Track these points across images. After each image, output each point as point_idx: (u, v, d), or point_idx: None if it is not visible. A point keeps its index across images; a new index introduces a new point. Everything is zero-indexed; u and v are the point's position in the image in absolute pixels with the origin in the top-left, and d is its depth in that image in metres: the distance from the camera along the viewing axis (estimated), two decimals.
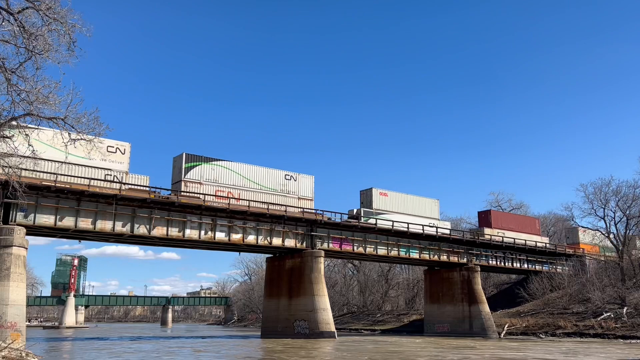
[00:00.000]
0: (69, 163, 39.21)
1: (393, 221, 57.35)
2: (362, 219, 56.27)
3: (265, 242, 50.80)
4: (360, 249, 57.37)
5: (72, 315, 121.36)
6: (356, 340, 53.67)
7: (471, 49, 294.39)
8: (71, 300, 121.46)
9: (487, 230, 67.70)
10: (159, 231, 45.06)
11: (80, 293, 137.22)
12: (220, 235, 48.27)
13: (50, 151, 37.23)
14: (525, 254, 71.34)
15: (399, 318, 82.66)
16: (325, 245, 54.24)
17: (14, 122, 20.29)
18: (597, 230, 72.17)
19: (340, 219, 55.26)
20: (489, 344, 47.35)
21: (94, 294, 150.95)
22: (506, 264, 70.45)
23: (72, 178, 40.12)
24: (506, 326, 60.80)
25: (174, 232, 45.86)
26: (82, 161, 39.72)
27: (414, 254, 61.54)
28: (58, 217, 40.54)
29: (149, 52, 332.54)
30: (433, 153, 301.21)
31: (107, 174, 42.57)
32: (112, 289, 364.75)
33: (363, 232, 57.13)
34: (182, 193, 45.83)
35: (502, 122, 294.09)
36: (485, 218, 70.32)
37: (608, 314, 55.38)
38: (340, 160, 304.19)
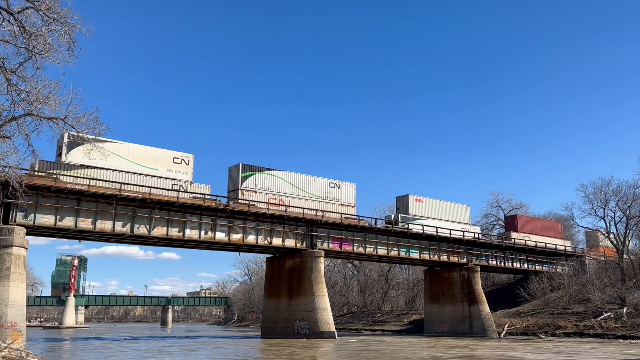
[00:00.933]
0: (139, 174, 43.66)
1: (424, 226, 60.38)
2: (400, 225, 59.16)
3: (265, 242, 50.81)
4: (360, 249, 57.37)
5: (72, 316, 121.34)
6: (356, 340, 53.65)
7: (471, 49, 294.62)
8: (71, 300, 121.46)
9: (513, 234, 70.31)
10: (159, 231, 45.07)
11: (80, 293, 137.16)
12: (220, 235, 48.28)
13: (125, 163, 43.22)
14: (525, 254, 71.38)
15: (399, 318, 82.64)
16: (325, 245, 54.25)
17: (13, 122, 20.29)
18: (597, 230, 72.18)
19: (375, 223, 58.39)
20: (488, 344, 47.35)
21: (94, 294, 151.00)
22: (506, 264, 70.46)
23: (143, 187, 43.33)
24: (506, 326, 60.79)
25: (174, 232, 45.87)
26: (150, 172, 44.38)
27: (414, 254, 61.54)
28: (58, 217, 40.54)
29: (149, 52, 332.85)
30: (433, 153, 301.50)
31: (174, 184, 45.87)
32: (112, 289, 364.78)
33: (363, 232, 57.15)
34: (239, 200, 48.71)
35: (502, 122, 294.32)
36: (511, 222, 73.03)
37: (608, 314, 55.37)
38: (340, 160, 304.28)
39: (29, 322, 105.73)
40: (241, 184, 49.60)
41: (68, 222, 40.92)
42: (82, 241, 50.76)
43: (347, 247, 56.40)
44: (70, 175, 40.67)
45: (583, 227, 76.61)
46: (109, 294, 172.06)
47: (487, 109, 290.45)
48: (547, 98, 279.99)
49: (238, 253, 64.19)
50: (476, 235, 65.09)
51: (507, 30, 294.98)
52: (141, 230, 44.30)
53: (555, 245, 72.35)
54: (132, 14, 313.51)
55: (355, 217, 56.28)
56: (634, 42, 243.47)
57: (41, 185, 38.46)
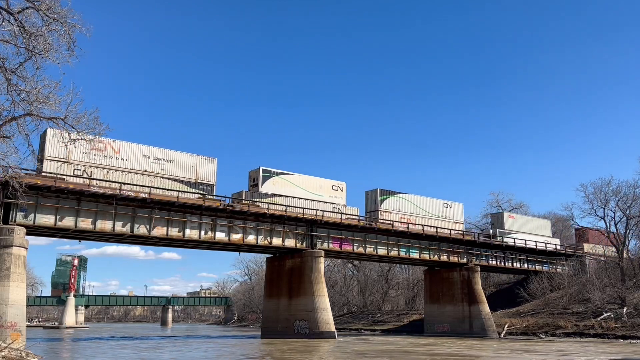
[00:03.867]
0: (310, 200, 53.43)
1: (515, 239, 68.72)
2: (498, 238, 68.60)
3: (265, 242, 50.80)
4: (360, 249, 57.36)
5: (72, 315, 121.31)
6: (356, 340, 53.65)
7: (472, 51, 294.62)
8: (71, 300, 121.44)
9: (586, 246, 75.82)
10: (159, 231, 45.06)
11: (80, 293, 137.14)
12: (220, 235, 48.29)
13: (299, 191, 53.07)
14: (525, 254, 71.38)
15: (399, 318, 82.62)
16: (325, 245, 54.24)
17: (13, 122, 20.28)
18: (597, 230, 72.14)
19: (477, 237, 66.62)
20: (488, 344, 47.34)
21: (94, 294, 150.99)
22: (506, 264, 70.44)
23: (317, 211, 52.71)
24: (506, 326, 60.78)
25: (174, 232, 45.86)
26: (316, 197, 54.14)
27: (414, 254, 61.54)
28: (58, 217, 40.54)
29: (149, 52, 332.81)
30: (434, 153, 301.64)
31: (334, 207, 55.20)
32: (112, 289, 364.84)
33: (363, 232, 57.14)
34: (379, 220, 57.68)
35: (502, 123, 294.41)
36: (581, 235, 78.06)
37: (608, 314, 55.34)
38: (340, 160, 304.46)
39: (29, 322, 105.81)
40: (380, 206, 58.72)
41: (68, 222, 40.91)
42: (82, 241, 50.83)
43: (347, 247, 56.40)
44: (264, 202, 50.47)
45: (583, 227, 76.54)
46: (109, 294, 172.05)
47: (487, 109, 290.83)
48: (548, 99, 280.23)
49: (238, 253, 64.26)
50: (476, 236, 65.12)
51: (509, 33, 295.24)
52: (141, 230, 44.29)
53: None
54: (132, 14, 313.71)
55: (461, 232, 65.45)
56: (633, 43, 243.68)
57: (41, 185, 38.44)
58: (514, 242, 67.02)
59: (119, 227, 43.23)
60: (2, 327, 34.09)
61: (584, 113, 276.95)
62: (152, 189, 43.76)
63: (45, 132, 39.33)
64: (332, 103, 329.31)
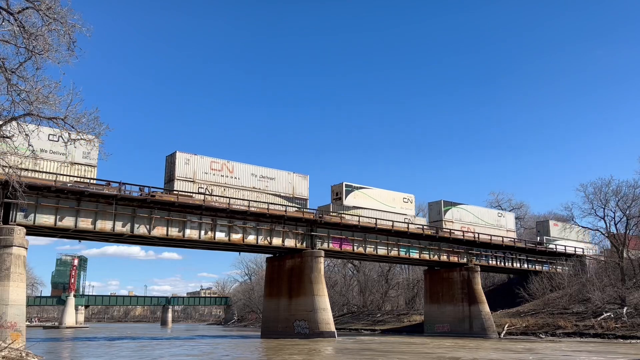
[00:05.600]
0: (385, 211, 58.30)
1: (557, 245, 74.66)
2: (544, 244, 73.81)
3: (265, 242, 50.79)
4: (360, 249, 57.35)
5: (72, 315, 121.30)
6: (356, 340, 53.64)
7: (472, 51, 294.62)
8: (71, 300, 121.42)
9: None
10: (159, 231, 45.05)
11: (80, 293, 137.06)
12: (220, 235, 48.27)
13: (375, 203, 58.21)
14: (525, 254, 71.33)
15: (399, 318, 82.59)
16: (325, 245, 54.23)
17: (13, 122, 20.29)
18: (597, 230, 72.15)
19: (525, 245, 70.98)
20: (488, 344, 47.34)
21: (94, 294, 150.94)
22: (506, 264, 70.42)
23: (382, 221, 57.30)
24: (506, 326, 60.75)
25: (174, 232, 45.85)
26: (390, 209, 59.14)
27: (414, 254, 61.52)
28: (58, 217, 40.51)
29: (149, 52, 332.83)
30: (434, 154, 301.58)
31: (405, 218, 60.25)
32: (112, 289, 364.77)
33: (363, 232, 57.12)
34: (443, 230, 62.75)
35: (502, 123, 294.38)
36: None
37: (608, 314, 55.29)
38: (340, 161, 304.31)
39: (29, 322, 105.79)
40: (444, 216, 64.05)
41: (68, 222, 40.89)
42: (82, 241, 50.82)
43: (347, 247, 56.38)
44: (345, 213, 55.48)
45: (583, 227, 76.53)
46: (109, 294, 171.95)
47: (488, 110, 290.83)
48: (548, 99, 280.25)
49: (238, 253, 64.27)
50: (476, 235, 65.07)
51: (508, 33, 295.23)
52: (141, 230, 44.27)
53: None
54: (132, 14, 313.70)
55: (512, 239, 70.71)
56: (633, 44, 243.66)
57: (41, 185, 38.43)
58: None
59: (119, 227, 43.20)
60: (2, 327, 34.05)
61: (584, 113, 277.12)
62: (258, 203, 49.54)
63: (174, 155, 45.91)
64: (334, 104, 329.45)
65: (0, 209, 37.45)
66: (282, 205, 51.17)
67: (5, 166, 22.60)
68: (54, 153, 39.34)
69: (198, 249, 59.84)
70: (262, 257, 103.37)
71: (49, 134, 36.92)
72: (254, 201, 49.16)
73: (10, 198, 35.95)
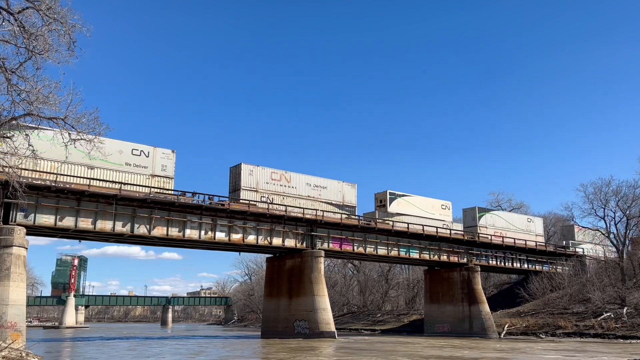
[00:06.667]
0: (425, 217, 61.41)
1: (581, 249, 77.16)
2: (571, 248, 76.60)
3: (265, 242, 50.77)
4: (360, 249, 57.32)
5: (72, 315, 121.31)
6: (356, 340, 53.64)
7: (472, 52, 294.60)
8: (71, 301, 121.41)
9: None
10: (159, 231, 45.03)
11: (80, 293, 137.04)
12: (220, 235, 48.25)
13: (415, 209, 61.36)
14: (525, 254, 71.33)
15: (399, 318, 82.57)
16: (325, 245, 54.20)
17: (13, 122, 20.27)
18: (597, 230, 72.06)
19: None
20: (489, 344, 47.31)
21: (94, 294, 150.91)
22: (506, 264, 70.40)
23: (427, 227, 60.40)
24: (506, 326, 60.73)
25: (174, 232, 45.83)
26: (430, 215, 62.33)
27: (414, 254, 61.49)
28: (58, 217, 40.51)
29: (149, 52, 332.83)
30: (434, 154, 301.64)
31: (443, 224, 63.44)
32: (113, 289, 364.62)
33: (363, 232, 57.10)
34: (480, 235, 66.36)
35: (503, 123, 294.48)
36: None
37: (608, 314, 55.27)
38: (340, 161, 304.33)
39: (29, 322, 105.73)
40: (478, 222, 67.56)
41: (68, 222, 40.88)
42: (82, 241, 50.81)
43: (347, 247, 56.36)
44: (389, 220, 58.47)
45: (583, 227, 76.53)
46: (109, 294, 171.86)
47: (488, 110, 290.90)
48: (548, 99, 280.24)
49: (238, 253, 64.24)
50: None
51: (508, 33, 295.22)
52: (141, 230, 44.25)
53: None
54: (132, 14, 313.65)
55: (543, 244, 73.38)
56: (632, 44, 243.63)
57: (41, 185, 38.43)
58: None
59: (119, 227, 43.19)
60: (2, 327, 34.04)
61: (583, 113, 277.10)
62: (313, 210, 52.57)
63: (239, 166, 49.65)
64: (334, 105, 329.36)
65: (0, 209, 37.44)
66: (334, 212, 54.44)
67: (6, 166, 22.60)
68: (137, 166, 43.92)
69: (198, 249, 59.85)
70: (262, 257, 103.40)
71: (132, 149, 43.78)
72: (309, 209, 52.31)
73: (11, 198, 35.96)
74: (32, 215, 39.34)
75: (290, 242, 52.32)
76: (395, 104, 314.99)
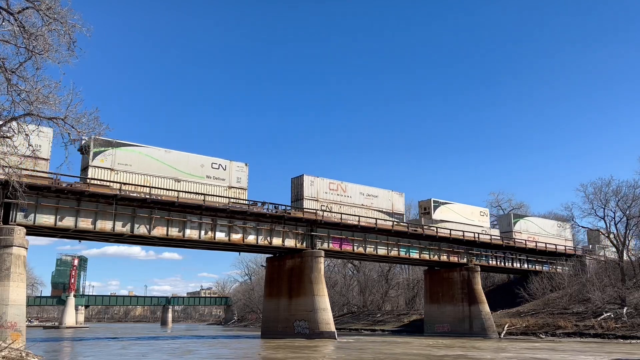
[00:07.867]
0: (464, 224, 64.60)
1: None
2: (596, 253, 78.30)
3: (265, 242, 50.77)
4: (360, 249, 57.32)
5: (72, 315, 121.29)
6: (357, 340, 53.64)
7: (473, 52, 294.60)
8: (71, 301, 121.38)
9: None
10: (159, 231, 45.03)
11: (80, 293, 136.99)
12: (220, 235, 48.24)
13: (455, 216, 64.75)
14: (525, 254, 71.34)
15: (399, 318, 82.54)
16: (325, 245, 54.19)
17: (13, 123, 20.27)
18: (597, 230, 72.05)
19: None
20: (489, 344, 47.33)
21: (94, 294, 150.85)
22: (506, 264, 70.38)
23: (470, 233, 63.93)
24: (506, 326, 60.71)
25: (174, 232, 45.83)
26: (469, 222, 65.79)
27: (414, 254, 61.48)
28: (58, 217, 40.48)
29: (149, 52, 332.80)
30: (434, 154, 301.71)
31: (482, 230, 66.82)
32: (113, 289, 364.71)
33: (363, 232, 57.09)
34: (515, 240, 69.79)
35: (503, 123, 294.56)
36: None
37: (608, 314, 55.27)
38: (341, 162, 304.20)
39: (29, 322, 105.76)
40: (513, 227, 71.74)
41: (68, 222, 40.86)
42: (82, 241, 50.79)
43: (347, 247, 56.35)
44: (434, 226, 61.66)
45: (583, 227, 76.57)
46: (109, 294, 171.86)
47: (488, 110, 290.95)
48: (548, 99, 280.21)
49: (238, 253, 64.22)
50: (476, 235, 65.14)
51: (509, 33, 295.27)
52: (141, 230, 44.24)
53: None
54: (132, 14, 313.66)
55: (571, 248, 76.97)
56: (633, 44, 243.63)
57: (41, 185, 38.43)
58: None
59: (119, 227, 43.17)
60: (2, 327, 34.02)
61: (584, 113, 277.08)
62: (365, 218, 55.53)
63: (301, 177, 53.02)
64: (335, 106, 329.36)
65: (0, 209, 37.43)
66: (384, 220, 57.04)
67: (6, 166, 22.60)
68: (216, 179, 47.36)
69: (198, 249, 59.84)
70: (262, 257, 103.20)
71: (212, 163, 47.55)
72: (362, 217, 55.13)
73: (11, 198, 35.93)
74: (32, 215, 39.32)
75: (290, 242, 52.32)
76: (395, 104, 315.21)
